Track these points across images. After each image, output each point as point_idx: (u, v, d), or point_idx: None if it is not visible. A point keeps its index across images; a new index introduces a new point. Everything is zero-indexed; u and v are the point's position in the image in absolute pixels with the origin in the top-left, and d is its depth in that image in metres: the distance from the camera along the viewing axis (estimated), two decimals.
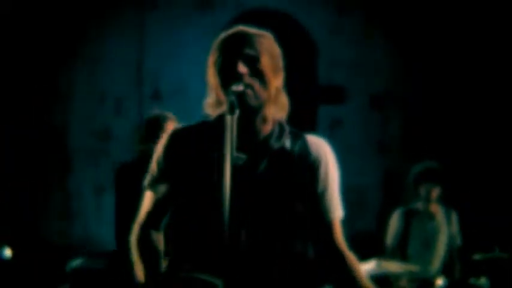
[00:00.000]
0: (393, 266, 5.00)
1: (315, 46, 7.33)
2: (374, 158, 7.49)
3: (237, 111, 2.21)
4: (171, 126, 4.38)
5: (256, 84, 2.38)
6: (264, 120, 2.44)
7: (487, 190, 7.07)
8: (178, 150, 2.46)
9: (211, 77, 2.45)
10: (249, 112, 2.35)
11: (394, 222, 5.71)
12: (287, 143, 2.47)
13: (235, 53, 2.39)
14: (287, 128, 2.51)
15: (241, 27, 2.49)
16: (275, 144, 2.45)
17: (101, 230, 7.61)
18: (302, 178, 2.45)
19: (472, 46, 7.24)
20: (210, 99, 2.48)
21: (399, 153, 7.46)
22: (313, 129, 7.18)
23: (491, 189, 7.06)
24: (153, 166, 2.51)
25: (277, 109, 2.47)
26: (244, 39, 2.42)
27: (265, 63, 2.41)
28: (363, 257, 5.36)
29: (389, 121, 7.50)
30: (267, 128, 2.46)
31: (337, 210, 2.53)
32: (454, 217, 5.77)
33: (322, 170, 2.48)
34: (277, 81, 2.45)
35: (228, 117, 2.20)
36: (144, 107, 7.64)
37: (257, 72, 2.39)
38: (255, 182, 2.39)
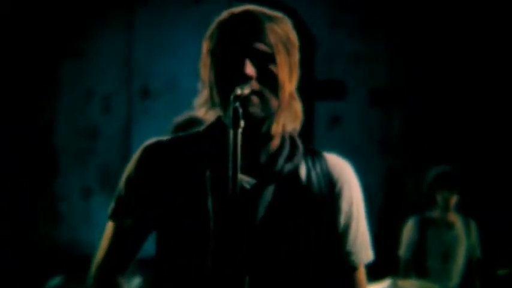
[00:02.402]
0: (410, 285, 4.53)
1: (313, 39, 7.06)
2: (375, 156, 7.15)
3: (242, 123, 1.61)
4: None
5: (266, 90, 1.77)
6: (272, 134, 1.83)
7: (491, 189, 6.74)
8: (155, 171, 1.84)
9: (205, 69, 1.84)
10: (252, 124, 1.74)
11: (409, 232, 5.24)
12: (301, 165, 1.86)
13: (242, 47, 1.77)
14: (301, 145, 1.90)
15: (249, 7, 1.84)
16: (285, 166, 1.84)
17: (89, 234, 7.26)
18: (320, 211, 1.84)
19: (476, 40, 6.95)
20: (201, 98, 1.86)
21: (402, 152, 7.15)
22: (310, 127, 7.00)
23: (496, 189, 6.74)
24: (121, 190, 1.88)
25: (288, 119, 1.86)
26: (255, 27, 1.78)
27: (281, 62, 1.79)
28: None
29: (391, 118, 7.19)
30: (274, 144, 1.85)
31: (363, 252, 1.93)
32: (473, 227, 5.33)
33: (345, 200, 1.88)
34: (291, 85, 1.83)
35: (231, 131, 1.60)
36: (133, 105, 7.43)
37: (269, 75, 1.78)
38: (259, 216, 1.79)
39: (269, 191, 1.80)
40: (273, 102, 1.78)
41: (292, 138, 1.89)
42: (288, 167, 1.84)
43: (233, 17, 1.82)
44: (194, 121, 3.96)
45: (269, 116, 1.79)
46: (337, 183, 1.88)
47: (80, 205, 7.52)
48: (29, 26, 7.33)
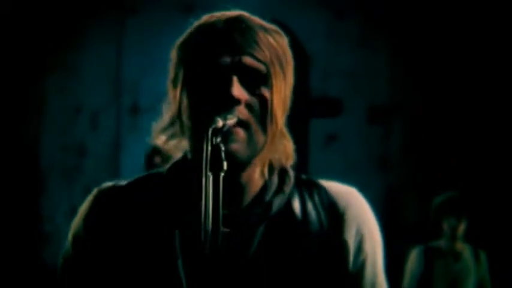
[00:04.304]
0: None
1: (307, 54, 6.87)
2: (374, 176, 6.91)
3: (225, 165, 1.22)
4: None
5: (254, 120, 1.37)
6: (255, 174, 1.43)
7: (502, 216, 6.46)
8: (110, 227, 1.44)
9: (175, 86, 1.44)
10: (231, 167, 1.33)
11: (413, 263, 4.98)
12: (294, 200, 1.45)
13: (230, 61, 1.36)
14: (292, 173, 1.49)
15: (238, 12, 1.43)
16: (275, 201, 1.43)
17: None
18: (324, 259, 1.43)
19: (479, 53, 6.71)
20: (163, 122, 1.47)
21: (401, 171, 6.93)
22: (305, 145, 6.80)
23: (507, 215, 6.46)
24: (68, 249, 1.48)
25: (275, 159, 1.47)
26: (247, 37, 1.38)
27: (276, 86, 1.39)
28: None
29: (391, 135, 6.98)
30: (259, 184, 1.44)
31: None
32: (483, 257, 5.09)
33: (357, 236, 1.47)
34: (283, 117, 1.43)
35: (210, 176, 1.22)
36: (122, 122, 7.26)
37: (260, 100, 1.38)
38: (247, 272, 1.39)
39: (256, 239, 1.41)
40: (260, 138, 1.37)
41: (282, 169, 1.49)
42: (278, 201, 1.43)
43: (218, 21, 1.41)
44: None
45: (253, 156, 1.39)
46: (344, 215, 1.46)
47: (67, 225, 7.31)
48: (13, 38, 7.21)
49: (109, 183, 1.49)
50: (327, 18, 7.01)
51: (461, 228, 4.91)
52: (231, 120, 1.30)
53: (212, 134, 1.23)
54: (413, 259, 5.00)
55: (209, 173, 1.21)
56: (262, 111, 1.37)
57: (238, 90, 1.34)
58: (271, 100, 1.37)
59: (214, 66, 1.36)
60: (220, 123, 1.26)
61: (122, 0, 7.26)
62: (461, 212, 4.87)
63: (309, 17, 6.98)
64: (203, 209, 1.19)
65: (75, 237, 1.47)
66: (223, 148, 1.22)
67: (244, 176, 1.40)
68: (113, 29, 7.29)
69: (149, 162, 4.08)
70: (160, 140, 1.46)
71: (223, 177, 1.23)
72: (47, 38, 7.21)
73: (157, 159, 4.03)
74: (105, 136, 7.26)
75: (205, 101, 1.36)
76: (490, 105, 6.70)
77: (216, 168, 1.21)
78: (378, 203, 6.66)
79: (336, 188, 1.50)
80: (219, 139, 1.23)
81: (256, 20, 1.42)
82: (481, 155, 6.66)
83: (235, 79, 1.34)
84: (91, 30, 7.28)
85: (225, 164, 1.21)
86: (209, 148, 1.22)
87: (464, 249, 5.04)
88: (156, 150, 4.01)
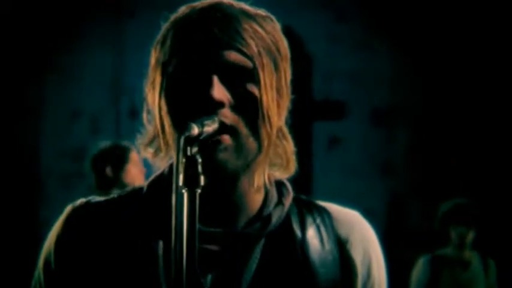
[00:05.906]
0: None
1: (309, 56, 6.84)
2: (377, 180, 6.85)
3: (203, 181, 1.05)
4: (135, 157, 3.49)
5: (242, 123, 1.20)
6: (251, 186, 1.26)
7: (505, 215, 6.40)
8: (84, 252, 1.28)
9: (154, 91, 1.27)
10: (222, 179, 1.20)
11: (419, 272, 4.84)
12: (293, 216, 1.30)
13: (208, 58, 1.18)
14: (290, 188, 1.32)
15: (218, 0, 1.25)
16: (274, 216, 1.27)
17: None
18: (328, 278, 1.27)
19: (483, 54, 6.64)
20: (147, 135, 1.30)
21: (405, 174, 6.86)
22: (308, 149, 6.77)
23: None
24: (39, 276, 1.32)
25: (275, 167, 1.28)
26: (227, 28, 1.19)
27: (265, 81, 1.21)
28: None
29: (394, 138, 6.94)
30: (256, 199, 1.27)
31: None
32: (492, 266, 4.95)
33: (364, 265, 1.32)
34: (280, 117, 1.25)
35: (185, 193, 1.05)
36: (121, 125, 7.19)
37: (247, 99, 1.20)
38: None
39: (254, 261, 1.25)
40: (252, 144, 1.20)
41: (278, 183, 1.32)
42: (277, 213, 1.27)
43: (194, 12, 1.24)
44: (119, 148, 3.66)
45: (245, 166, 1.22)
46: (348, 238, 1.32)
47: None
48: (11, 41, 7.15)
49: (83, 200, 1.32)
50: (330, 20, 6.97)
51: (470, 236, 4.79)
52: (210, 127, 1.13)
53: (186, 143, 1.06)
54: (419, 268, 4.88)
55: (183, 190, 1.04)
56: (252, 112, 1.19)
57: (219, 91, 1.17)
58: (261, 97, 1.19)
59: (191, 66, 1.20)
60: (195, 130, 1.08)
61: (120, 3, 7.20)
62: (469, 220, 4.74)
63: (312, 19, 6.93)
64: (173, 236, 1.04)
65: (47, 263, 1.31)
66: (199, 160, 1.05)
67: (239, 188, 1.24)
68: (111, 31, 7.24)
69: (99, 174, 3.79)
70: (148, 153, 1.31)
71: (213, 192, 1.10)
72: (44, 41, 7.15)
73: (109, 172, 3.82)
74: (105, 140, 7.33)
75: (185, 108, 1.19)
76: (494, 107, 6.64)
77: (191, 184, 1.04)
78: (381, 208, 6.62)
79: (338, 210, 1.35)
80: (195, 149, 1.07)
81: (238, 5, 1.24)
82: (488, 157, 6.59)
83: (215, 79, 1.17)
84: (89, 33, 7.23)
85: (202, 179, 1.04)
86: (182, 160, 1.05)
87: (473, 258, 4.93)
88: (105, 159, 3.75)
